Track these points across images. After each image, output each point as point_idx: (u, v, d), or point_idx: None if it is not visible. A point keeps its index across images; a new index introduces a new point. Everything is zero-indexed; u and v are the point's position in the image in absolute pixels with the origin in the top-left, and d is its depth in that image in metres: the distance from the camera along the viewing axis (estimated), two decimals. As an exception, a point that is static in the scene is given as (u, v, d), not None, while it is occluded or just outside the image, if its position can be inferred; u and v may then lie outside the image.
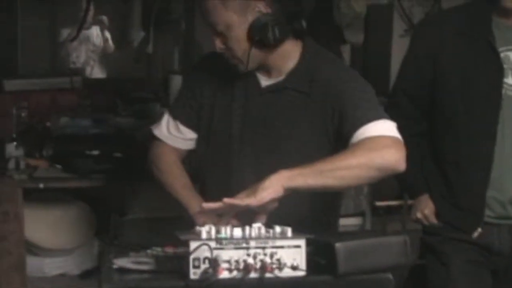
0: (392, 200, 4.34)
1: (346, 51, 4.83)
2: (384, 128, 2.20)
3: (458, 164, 2.68)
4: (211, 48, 2.39)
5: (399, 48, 4.84)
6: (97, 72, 5.28)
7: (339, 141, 2.27)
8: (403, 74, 2.82)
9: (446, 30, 2.67)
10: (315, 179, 2.10)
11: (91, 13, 4.89)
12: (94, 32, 5.22)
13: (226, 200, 2.05)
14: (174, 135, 2.53)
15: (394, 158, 2.15)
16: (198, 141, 2.51)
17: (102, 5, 5.01)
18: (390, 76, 4.88)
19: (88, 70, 5.20)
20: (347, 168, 2.12)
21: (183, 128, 2.51)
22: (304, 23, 2.35)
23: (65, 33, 5.13)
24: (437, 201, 2.76)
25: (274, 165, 2.15)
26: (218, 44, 2.30)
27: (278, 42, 2.28)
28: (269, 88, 2.36)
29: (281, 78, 2.36)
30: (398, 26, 4.96)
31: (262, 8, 2.24)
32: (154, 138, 2.57)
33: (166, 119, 2.54)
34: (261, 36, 2.25)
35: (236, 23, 2.24)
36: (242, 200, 2.06)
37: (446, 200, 2.74)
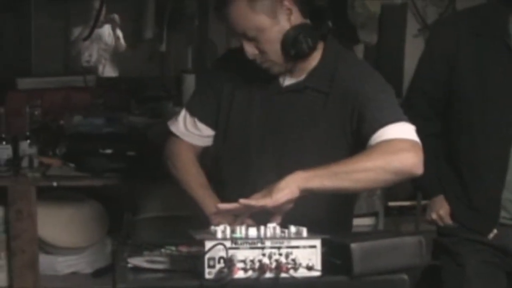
0: (405, 200, 4.32)
1: (359, 50, 4.81)
2: (403, 131, 2.19)
3: (473, 165, 2.68)
4: (225, 46, 2.39)
5: (412, 48, 4.83)
6: (109, 71, 5.28)
7: (357, 142, 2.26)
8: (419, 74, 2.81)
9: (462, 31, 2.66)
10: (331, 181, 2.09)
11: (103, 11, 4.88)
12: (106, 30, 5.23)
13: (242, 200, 2.04)
14: (191, 131, 2.52)
15: (412, 162, 2.14)
16: (215, 138, 2.50)
17: (114, 3, 5.02)
18: (404, 76, 4.87)
19: (100, 69, 5.21)
20: (363, 170, 2.11)
21: (200, 125, 2.50)
22: (330, 24, 2.35)
23: (77, 31, 5.14)
24: (452, 202, 2.76)
25: (293, 165, 2.15)
26: (251, 51, 2.27)
27: (312, 50, 2.29)
28: (290, 88, 2.35)
29: (302, 77, 2.35)
30: (412, 26, 4.95)
31: (288, 4, 2.23)
32: (171, 134, 2.56)
33: (183, 115, 2.53)
34: (296, 50, 2.25)
35: (268, 25, 2.23)
36: (258, 201, 2.06)
37: (461, 201, 2.73)
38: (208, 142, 2.53)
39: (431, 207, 2.82)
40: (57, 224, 3.73)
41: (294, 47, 2.24)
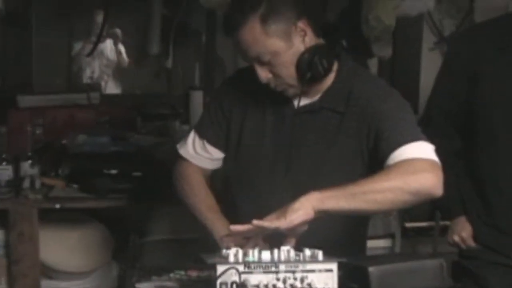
0: (422, 221, 4.31)
1: (373, 65, 4.82)
2: (422, 150, 2.19)
3: (497, 183, 2.67)
4: (233, 62, 2.39)
5: (429, 62, 4.84)
6: (111, 87, 5.29)
7: (374, 162, 2.26)
8: (437, 90, 2.81)
9: (482, 44, 2.66)
10: (347, 201, 2.09)
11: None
12: (108, 45, 5.24)
13: (255, 222, 2.04)
14: (200, 154, 2.53)
15: (431, 182, 2.13)
16: (225, 160, 2.51)
17: (115, 17, 5.03)
18: (420, 91, 4.87)
19: (102, 85, 5.21)
20: (380, 191, 2.10)
21: (210, 147, 2.52)
22: (344, 43, 2.36)
23: (78, 46, 5.15)
24: (475, 223, 2.75)
25: (308, 186, 2.14)
26: (264, 75, 2.28)
27: (328, 72, 2.30)
28: (304, 109, 2.35)
29: (316, 97, 2.36)
30: (428, 39, 4.95)
31: (302, 25, 2.24)
32: (180, 157, 2.57)
33: (192, 137, 2.55)
34: (312, 73, 2.26)
35: (283, 48, 2.23)
36: (272, 223, 2.05)
37: (484, 222, 2.72)
38: (217, 164, 2.55)
39: (452, 228, 2.81)
40: (60, 247, 3.72)
41: (309, 70, 2.25)
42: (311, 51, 2.25)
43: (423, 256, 2.46)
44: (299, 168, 2.34)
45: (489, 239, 2.71)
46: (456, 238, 2.78)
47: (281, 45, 2.23)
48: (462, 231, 2.76)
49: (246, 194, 2.44)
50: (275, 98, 2.36)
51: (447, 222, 2.95)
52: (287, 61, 2.25)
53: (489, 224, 2.71)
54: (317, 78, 2.28)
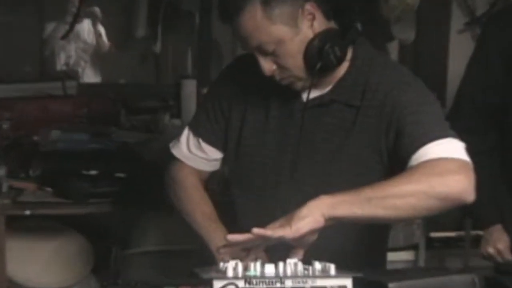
0: (450, 230, 4.33)
1: (394, 49, 4.84)
2: (450, 149, 2.18)
3: None
4: (231, 48, 2.40)
5: (458, 47, 4.86)
6: (89, 76, 5.32)
7: (394, 162, 2.26)
8: (469, 79, 2.81)
9: None
10: (362, 207, 2.09)
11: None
12: (86, 26, 5.25)
13: (256, 230, 2.04)
14: (195, 154, 2.54)
15: (461, 186, 2.12)
16: (225, 161, 2.52)
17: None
18: (447, 81, 4.88)
19: (79, 73, 5.21)
20: (401, 196, 2.10)
21: (206, 146, 2.52)
22: (359, 27, 2.35)
23: (50, 28, 5.15)
24: None
25: (318, 189, 2.14)
26: (268, 67, 2.27)
27: (341, 61, 2.30)
28: (313, 102, 2.35)
29: (327, 89, 2.35)
30: (457, 19, 4.97)
31: (310, 7, 2.23)
32: (173, 158, 2.58)
33: (186, 135, 2.56)
34: (323, 63, 2.25)
35: (289, 35, 2.22)
36: (275, 231, 2.05)
37: None
38: (215, 166, 2.56)
39: (486, 239, 2.81)
40: (31, 261, 3.74)
41: (320, 59, 2.25)
42: (321, 38, 2.25)
43: (451, 271, 2.46)
44: (307, 169, 2.34)
45: None
46: (491, 250, 2.78)
47: (286, 32, 2.22)
48: (498, 242, 2.76)
49: (247, 198, 2.44)
50: (281, 91, 2.36)
51: (480, 232, 2.96)
52: (294, 50, 2.24)
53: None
54: (329, 68, 2.28)
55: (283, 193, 2.35)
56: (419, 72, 4.93)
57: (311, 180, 2.33)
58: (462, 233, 4.26)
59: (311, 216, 2.06)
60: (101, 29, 5.25)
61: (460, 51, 4.71)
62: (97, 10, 5.22)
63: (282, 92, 2.36)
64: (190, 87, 4.30)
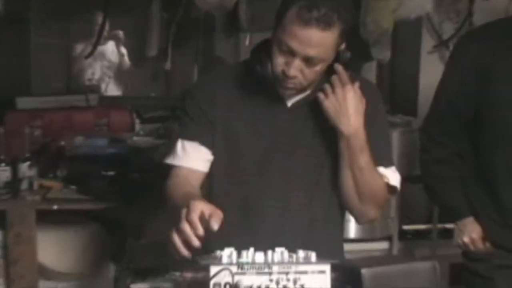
0: (420, 223, 4.32)
1: (372, 68, 4.84)
2: (396, 179, 2.36)
3: (510, 182, 2.62)
4: (232, 62, 2.33)
5: (427, 65, 4.87)
6: (112, 89, 5.31)
7: None
8: (446, 88, 2.74)
9: (496, 43, 2.61)
10: (358, 157, 2.24)
11: (106, 27, 4.91)
12: (110, 47, 5.26)
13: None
14: (192, 154, 2.36)
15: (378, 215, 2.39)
16: (213, 164, 2.39)
17: (117, 19, 5.05)
18: (419, 94, 4.89)
19: (103, 87, 5.24)
20: (374, 180, 2.28)
21: (202, 148, 2.36)
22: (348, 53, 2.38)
23: (79, 48, 5.16)
24: (486, 224, 2.69)
25: (303, 184, 2.18)
26: (294, 71, 2.17)
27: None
28: (298, 104, 2.32)
29: (307, 92, 2.31)
30: (427, 42, 4.97)
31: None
32: (169, 169, 2.40)
33: (180, 145, 2.37)
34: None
35: (330, 58, 2.20)
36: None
37: (497, 223, 2.67)
38: (208, 168, 2.39)
39: (461, 230, 2.74)
40: (57, 249, 3.75)
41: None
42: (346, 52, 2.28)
43: (416, 258, 2.48)
44: (293, 166, 2.32)
45: (504, 240, 2.66)
46: (466, 239, 2.72)
47: (330, 56, 2.20)
48: (472, 232, 2.71)
49: (233, 201, 2.35)
50: (264, 96, 2.31)
51: (446, 225, 2.92)
52: (322, 69, 2.22)
53: (501, 224, 2.66)
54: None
55: (267, 187, 2.31)
56: (395, 87, 5.00)
57: (296, 174, 2.32)
58: (430, 226, 4.25)
59: None
60: (124, 50, 5.27)
61: (430, 68, 4.73)
62: (120, 33, 5.23)
63: (266, 97, 2.32)
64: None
